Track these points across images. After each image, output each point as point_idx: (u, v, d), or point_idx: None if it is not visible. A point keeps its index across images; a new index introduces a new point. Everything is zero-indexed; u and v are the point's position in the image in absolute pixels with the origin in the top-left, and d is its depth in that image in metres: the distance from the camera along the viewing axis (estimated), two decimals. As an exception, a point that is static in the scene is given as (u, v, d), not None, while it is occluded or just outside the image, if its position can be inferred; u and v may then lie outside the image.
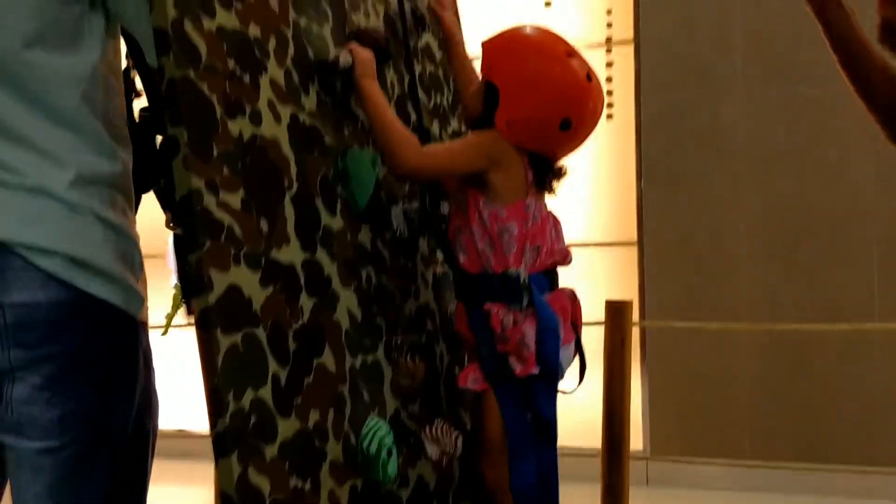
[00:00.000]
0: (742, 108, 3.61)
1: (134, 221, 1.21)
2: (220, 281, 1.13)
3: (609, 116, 3.78)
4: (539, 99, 1.58)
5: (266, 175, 1.27)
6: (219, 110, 1.19)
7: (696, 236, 3.67)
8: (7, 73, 1.05)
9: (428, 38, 2.02)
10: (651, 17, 3.74)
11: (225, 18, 1.24)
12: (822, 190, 3.51)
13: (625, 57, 3.82)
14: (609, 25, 3.85)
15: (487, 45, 1.66)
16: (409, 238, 1.70)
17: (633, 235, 3.78)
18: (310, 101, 1.43)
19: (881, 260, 3.43)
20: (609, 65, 3.82)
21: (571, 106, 1.59)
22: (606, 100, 3.80)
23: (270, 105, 1.32)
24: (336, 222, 1.44)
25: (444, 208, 1.76)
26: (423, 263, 1.78)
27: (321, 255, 1.38)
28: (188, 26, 1.15)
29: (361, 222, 1.53)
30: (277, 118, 1.33)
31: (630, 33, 3.80)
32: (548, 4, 3.91)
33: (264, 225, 1.25)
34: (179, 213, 1.15)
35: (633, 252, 3.78)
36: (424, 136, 1.73)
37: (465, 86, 1.83)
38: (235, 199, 1.19)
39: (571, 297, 1.67)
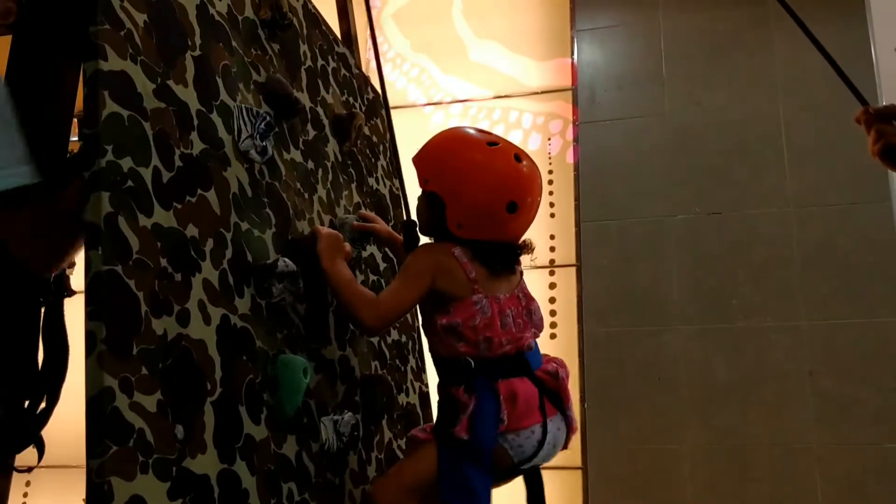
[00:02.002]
0: (682, 339, 3.67)
1: None
2: (121, 491, 1.04)
3: (552, 336, 3.81)
4: (479, 193, 1.61)
5: (187, 377, 1.21)
6: (144, 307, 1.15)
7: (642, 464, 3.58)
8: None
9: (372, 250, 2.04)
10: (591, 247, 3.88)
11: (162, 217, 1.23)
12: (763, 426, 3.49)
13: (568, 280, 3.91)
14: (552, 249, 3.98)
15: (418, 159, 1.70)
16: (339, 452, 1.61)
17: (578, 460, 3.68)
18: (243, 304, 1.40)
19: (826, 499, 3.36)
20: (552, 286, 3.91)
21: (511, 189, 1.62)
22: (550, 319, 3.87)
23: (201, 305, 1.28)
24: (259, 431, 1.36)
25: None
26: (351, 481, 1.67)
27: (240, 467, 1.28)
28: (122, 222, 1.14)
29: (287, 433, 1.45)
30: (207, 319, 1.29)
31: (573, 258, 3.92)
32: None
33: (180, 431, 1.16)
34: (87, 415, 1.06)
35: (578, 476, 3.66)
36: None
37: None
38: (150, 402, 1.12)
39: (552, 374, 1.64)
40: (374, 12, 4.55)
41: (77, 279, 1.79)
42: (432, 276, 1.61)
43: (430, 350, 1.69)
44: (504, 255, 1.66)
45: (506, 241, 1.67)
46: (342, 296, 1.60)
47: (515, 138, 4.17)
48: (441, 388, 1.65)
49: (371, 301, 1.60)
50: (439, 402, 1.64)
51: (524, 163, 1.65)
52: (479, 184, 1.61)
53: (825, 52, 1.60)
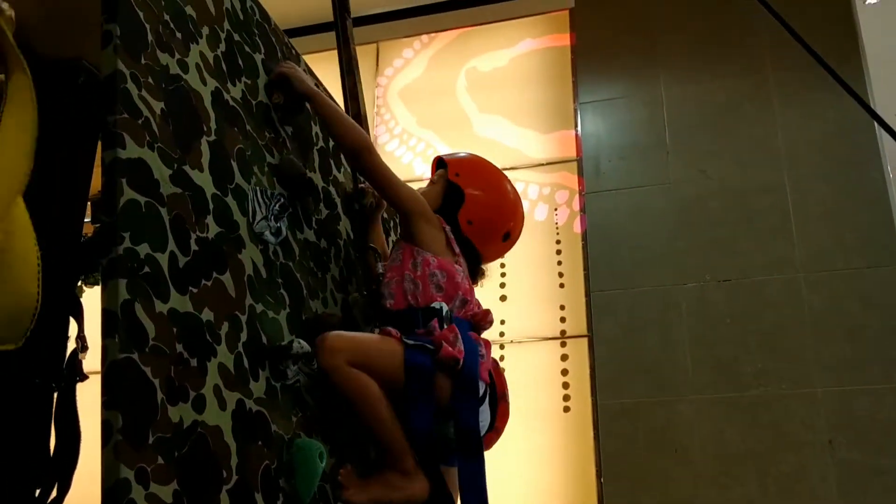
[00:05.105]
0: (696, 409, 3.62)
1: None
2: (136, 587, 1.01)
3: (566, 409, 3.76)
4: (497, 209, 1.93)
5: (203, 465, 1.19)
6: (160, 395, 1.13)
7: (660, 538, 3.50)
8: None
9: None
10: (602, 317, 3.87)
11: (178, 302, 1.23)
12: (784, 498, 3.41)
13: (580, 351, 3.88)
14: (563, 320, 3.96)
15: (454, 159, 1.96)
16: (356, 537, 1.57)
17: (595, 535, 3.59)
18: (258, 387, 1.39)
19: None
20: (564, 358, 3.88)
21: (515, 223, 1.96)
22: (563, 392, 3.83)
23: (216, 390, 1.26)
24: (276, 519, 1.33)
25: None
26: (369, 567, 1.63)
27: (256, 557, 1.25)
28: (138, 309, 1.13)
29: (304, 519, 1.42)
30: (223, 405, 1.27)
31: (584, 329, 3.90)
32: (503, 299, 4.05)
33: (196, 521, 1.14)
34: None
35: (596, 554, 3.57)
36: None
37: None
38: (166, 492, 1.09)
39: (494, 364, 1.77)
40: (380, 90, 4.66)
41: (88, 363, 1.79)
42: (416, 214, 1.78)
43: (395, 304, 1.73)
44: (474, 269, 1.91)
45: (482, 258, 1.92)
46: (335, 121, 1.74)
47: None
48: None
49: (367, 137, 1.76)
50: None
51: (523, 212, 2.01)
52: (500, 204, 1.93)
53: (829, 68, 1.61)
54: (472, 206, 1.87)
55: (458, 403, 1.61)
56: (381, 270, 1.89)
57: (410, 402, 1.56)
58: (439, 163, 1.98)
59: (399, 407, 1.57)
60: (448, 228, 1.83)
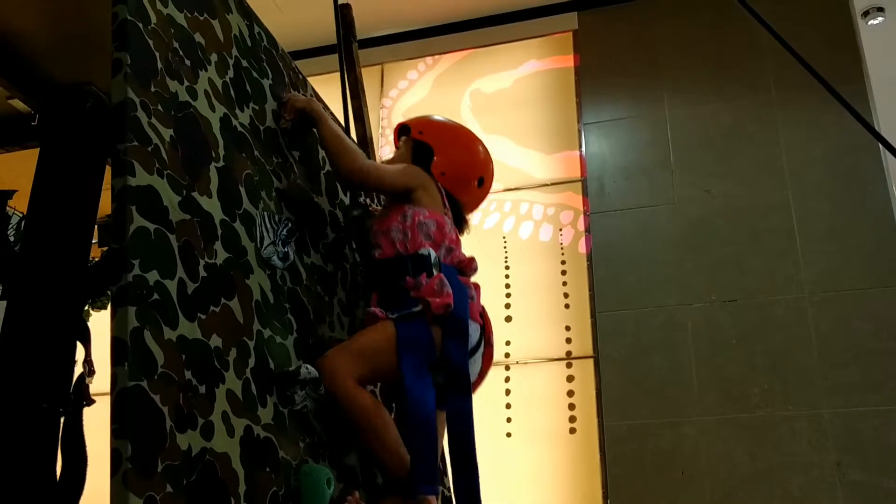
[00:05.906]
0: (703, 430, 3.60)
1: None
2: None
3: (572, 431, 3.74)
4: (466, 157, 1.98)
5: (212, 493, 1.18)
6: (169, 423, 1.13)
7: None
8: None
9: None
10: (608, 337, 3.86)
11: (187, 329, 1.23)
12: (793, 524, 3.39)
13: (586, 372, 3.87)
14: (568, 341, 3.95)
15: (414, 120, 2.01)
16: (363, 564, 1.56)
17: (602, 558, 3.56)
18: (266, 413, 1.38)
19: None
20: (570, 379, 3.86)
21: (486, 168, 2.01)
22: (569, 413, 3.81)
23: (224, 417, 1.26)
24: (283, 546, 1.32)
25: None
26: None
27: (264, 585, 1.25)
28: (147, 336, 1.13)
29: (311, 546, 1.41)
30: (231, 431, 1.27)
31: (590, 350, 3.89)
32: (508, 319, 4.04)
33: (204, 550, 1.13)
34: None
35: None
36: None
37: None
38: (175, 521, 1.09)
39: (483, 309, 1.77)
40: (385, 112, 4.67)
41: (94, 385, 1.79)
42: (419, 185, 1.82)
43: (383, 253, 1.75)
44: (458, 219, 1.94)
45: (462, 206, 1.96)
46: (333, 143, 1.78)
47: (527, 229, 4.21)
48: (384, 285, 1.72)
49: (358, 155, 1.81)
50: (388, 295, 1.69)
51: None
52: (468, 151, 2.00)
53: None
54: (442, 157, 1.92)
55: (448, 344, 1.63)
56: (368, 226, 1.92)
57: (408, 376, 1.57)
58: (401, 130, 2.03)
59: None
60: (440, 184, 1.88)
